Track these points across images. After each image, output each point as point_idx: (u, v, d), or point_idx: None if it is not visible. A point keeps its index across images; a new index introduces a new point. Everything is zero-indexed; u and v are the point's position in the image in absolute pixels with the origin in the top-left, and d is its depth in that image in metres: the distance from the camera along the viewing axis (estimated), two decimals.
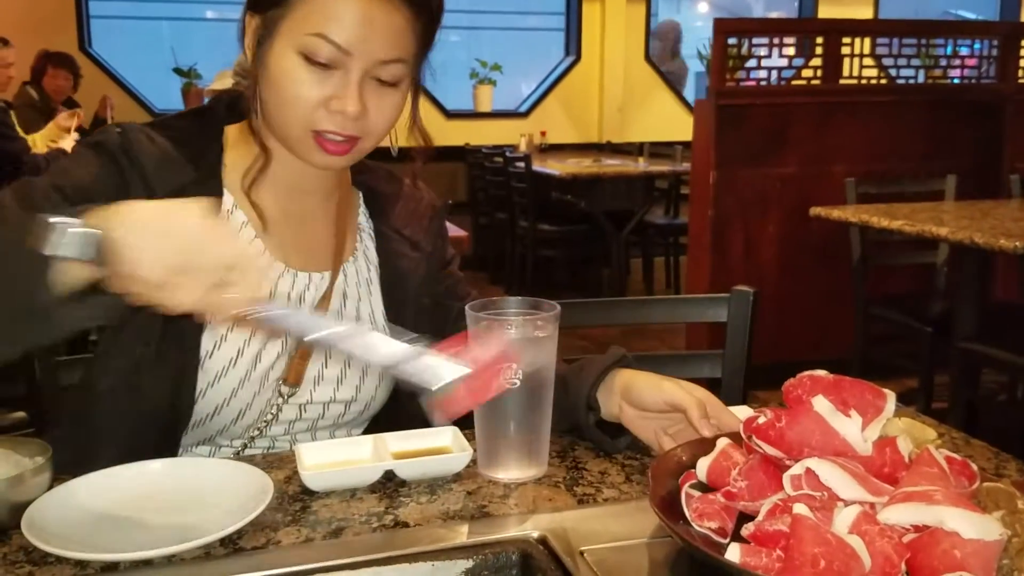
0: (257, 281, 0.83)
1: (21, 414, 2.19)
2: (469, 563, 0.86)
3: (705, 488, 0.90)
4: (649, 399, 1.06)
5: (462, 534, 0.91)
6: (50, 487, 0.94)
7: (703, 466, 0.91)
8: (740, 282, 1.54)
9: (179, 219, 0.83)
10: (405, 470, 1.03)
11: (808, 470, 0.80)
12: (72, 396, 1.28)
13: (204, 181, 1.12)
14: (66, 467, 0.97)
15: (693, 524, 0.85)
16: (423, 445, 1.09)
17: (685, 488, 0.89)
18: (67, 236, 0.79)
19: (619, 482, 1.03)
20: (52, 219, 0.79)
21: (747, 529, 0.80)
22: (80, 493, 0.95)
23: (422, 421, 1.24)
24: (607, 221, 5.66)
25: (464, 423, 1.09)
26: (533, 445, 1.04)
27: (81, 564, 0.83)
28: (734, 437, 0.95)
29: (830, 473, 0.79)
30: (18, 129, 4.38)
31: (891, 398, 0.89)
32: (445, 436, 1.10)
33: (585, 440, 1.12)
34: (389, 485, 1.02)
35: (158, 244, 0.80)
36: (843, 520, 0.75)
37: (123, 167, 1.08)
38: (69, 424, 1.17)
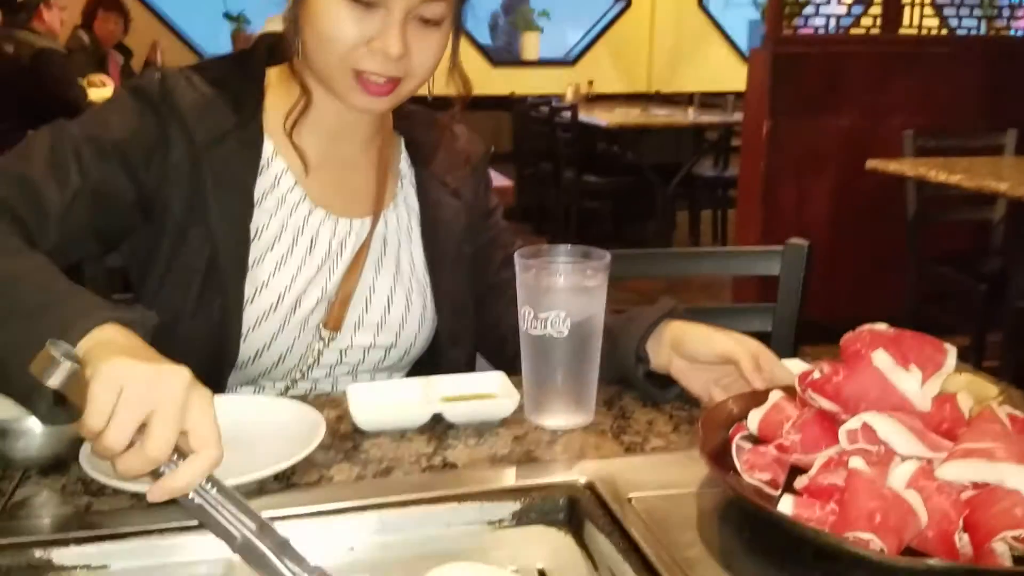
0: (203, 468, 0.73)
1: None
2: (517, 506, 0.87)
3: (756, 441, 0.89)
4: (700, 351, 1.05)
5: (510, 477, 0.91)
6: None
7: (755, 418, 0.90)
8: (790, 237, 1.50)
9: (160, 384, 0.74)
10: (453, 414, 1.03)
11: (865, 424, 0.78)
12: None
13: (245, 125, 1.11)
14: None
15: (744, 475, 0.84)
16: (471, 390, 1.09)
17: (736, 440, 0.88)
18: (60, 370, 0.73)
19: (667, 431, 1.03)
20: (54, 351, 0.73)
21: (800, 482, 0.79)
22: None
23: (462, 367, 1.26)
24: (654, 173, 5.59)
25: (512, 368, 1.09)
26: (580, 393, 1.03)
27: (137, 496, 0.85)
28: (787, 390, 0.93)
29: (888, 428, 0.78)
30: (76, 77, 4.43)
31: (952, 353, 0.86)
32: (493, 382, 1.10)
33: (633, 390, 1.12)
34: (438, 428, 1.03)
35: (115, 396, 0.72)
36: (900, 475, 0.74)
37: (163, 115, 1.08)
38: None
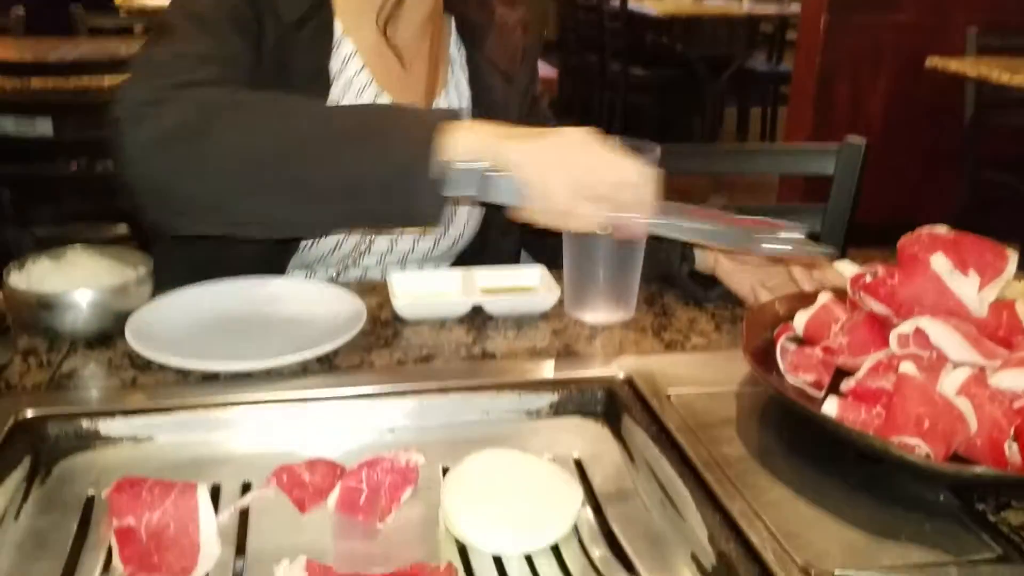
0: (650, 194, 0.88)
1: (124, 228, 2.27)
2: (555, 397, 0.87)
3: (801, 342, 0.87)
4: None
5: (548, 369, 0.91)
6: (151, 298, 0.97)
7: (802, 319, 0.88)
8: (841, 138, 1.44)
9: (573, 149, 0.88)
10: (493, 306, 1.03)
11: (917, 329, 0.76)
12: None
13: (321, 4, 1.08)
14: (166, 284, 1.00)
15: (787, 376, 0.83)
16: (511, 283, 1.08)
17: (781, 340, 0.87)
18: (470, 177, 0.87)
19: (708, 330, 1.01)
20: (460, 165, 0.87)
21: (847, 384, 0.78)
22: (181, 305, 0.98)
23: (507, 258, 1.25)
24: (704, 66, 5.40)
25: (553, 262, 1.08)
26: (621, 290, 1.02)
27: (182, 372, 0.87)
28: (836, 292, 0.91)
29: (941, 333, 0.75)
30: None
31: (1013, 258, 0.83)
32: (533, 275, 1.09)
33: (675, 289, 1.10)
34: (477, 319, 1.02)
35: (561, 177, 0.87)
36: (951, 382, 0.72)
37: None
38: (171, 242, 1.20)
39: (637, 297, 1.04)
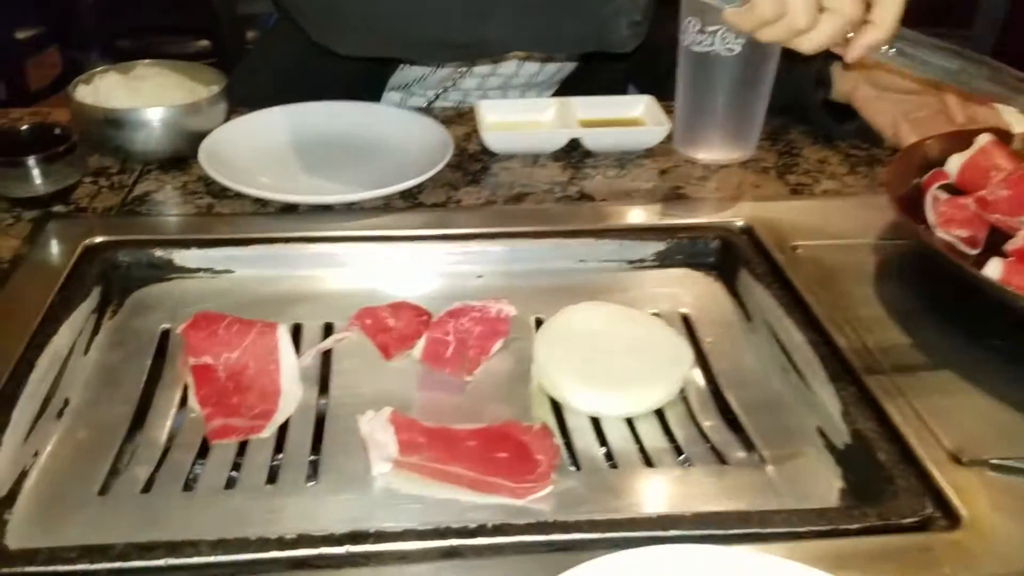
0: (893, 18, 0.71)
1: (205, 42, 2.18)
2: (661, 246, 0.78)
3: (954, 191, 0.76)
4: (896, 75, 0.88)
5: (654, 214, 0.82)
6: (226, 120, 0.90)
7: (956, 163, 0.77)
8: None
9: None
10: (592, 139, 0.93)
11: None
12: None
13: None
14: (246, 106, 0.93)
15: (937, 230, 0.72)
16: (613, 114, 0.97)
17: (932, 189, 0.75)
18: None
19: (841, 173, 0.89)
20: None
21: (1013, 243, 0.66)
22: (258, 128, 0.91)
23: (613, 89, 1.13)
24: None
25: (662, 92, 0.96)
26: (743, 124, 0.90)
27: (260, 202, 0.81)
28: (999, 134, 0.78)
29: None
30: None
31: None
32: (638, 106, 0.98)
33: (803, 123, 0.97)
34: (574, 155, 0.92)
35: None
36: None
37: None
38: (257, 59, 1.12)
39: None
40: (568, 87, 1.14)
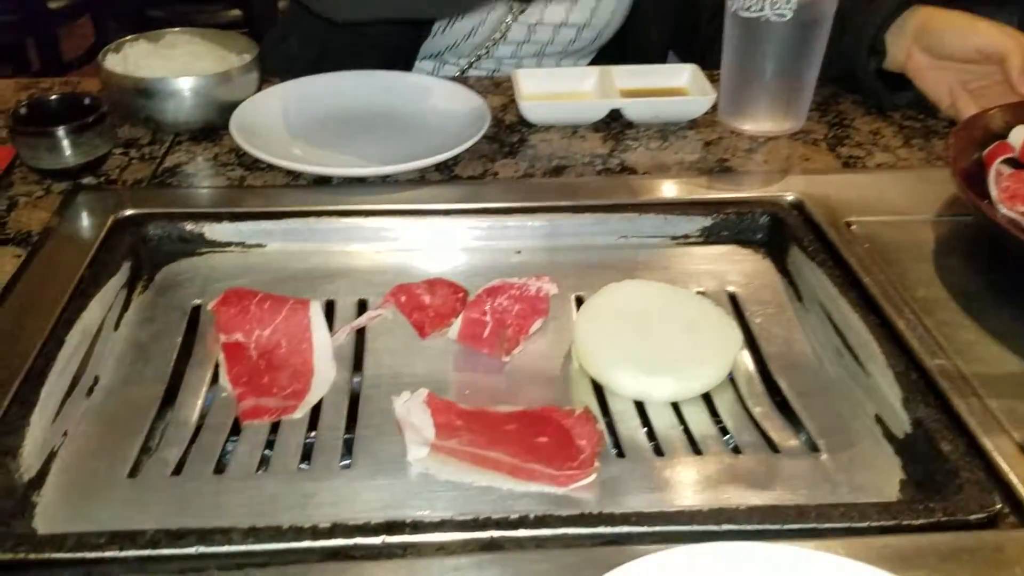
0: None
1: (236, 11, 2.15)
2: (707, 221, 0.75)
3: (1019, 165, 0.71)
4: (954, 43, 0.84)
5: (699, 188, 0.78)
6: (258, 90, 0.87)
7: (1021, 135, 0.72)
8: None
9: None
10: (634, 110, 0.89)
11: None
12: None
13: None
14: (277, 75, 0.91)
15: (1000, 205, 0.68)
16: (656, 84, 0.94)
17: (995, 163, 0.71)
18: None
19: (895, 146, 0.85)
20: None
21: None
22: (290, 98, 0.88)
23: (654, 57, 1.09)
24: None
25: (707, 60, 0.92)
26: (792, 94, 0.86)
27: (293, 174, 0.78)
28: None
29: None
30: None
31: None
32: (682, 75, 0.94)
33: (855, 92, 0.93)
34: (615, 125, 0.89)
35: None
36: None
37: None
38: (286, 27, 1.10)
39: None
40: (605, 55, 1.11)
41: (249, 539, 0.45)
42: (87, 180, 0.77)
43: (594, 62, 1.11)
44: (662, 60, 1.12)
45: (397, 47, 1.01)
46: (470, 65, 1.08)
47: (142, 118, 0.84)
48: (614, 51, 1.10)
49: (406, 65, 1.05)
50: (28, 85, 0.96)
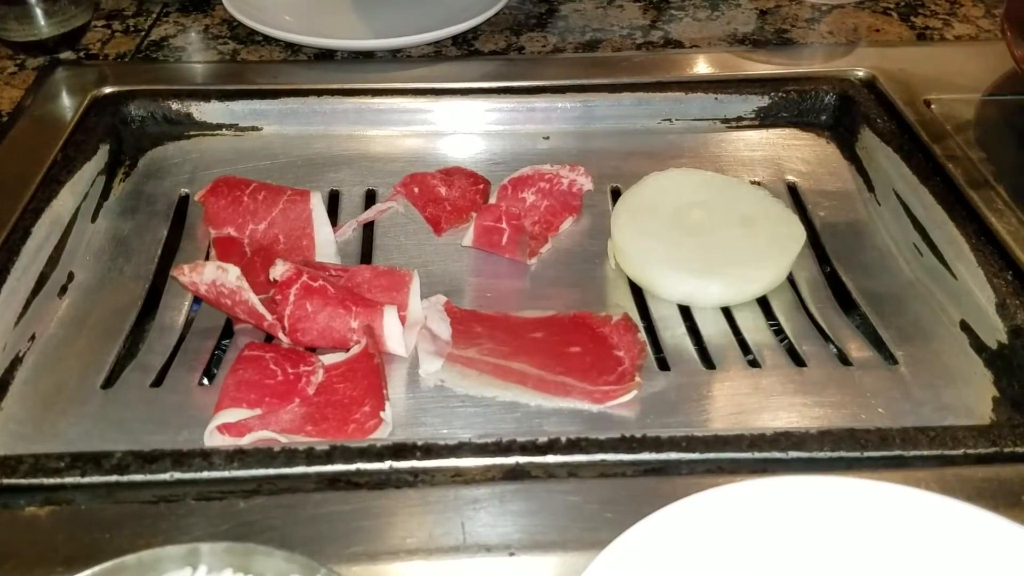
0: None
1: None
2: (763, 101, 0.66)
3: None
4: None
5: (755, 63, 0.69)
6: None
7: None
8: None
9: None
10: None
11: None
12: None
13: None
14: None
15: None
16: None
17: None
18: None
19: (976, 16, 0.75)
20: None
21: None
22: None
23: None
24: None
25: None
26: None
27: (292, 48, 0.70)
28: None
29: None
30: None
31: None
32: None
33: None
34: None
35: None
36: None
37: None
38: None
39: None
40: None
41: (233, 464, 0.39)
42: (65, 55, 0.69)
43: None
44: None
45: None
46: None
47: None
48: None
49: None
50: None
